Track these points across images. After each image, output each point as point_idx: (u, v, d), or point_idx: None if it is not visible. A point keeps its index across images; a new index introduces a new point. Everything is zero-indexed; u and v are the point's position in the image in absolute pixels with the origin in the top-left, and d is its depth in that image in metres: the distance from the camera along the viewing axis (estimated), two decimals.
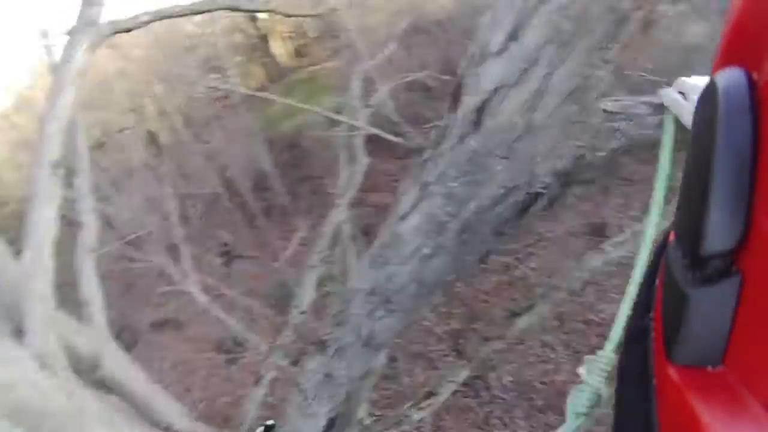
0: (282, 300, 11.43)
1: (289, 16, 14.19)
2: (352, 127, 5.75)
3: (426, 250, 1.40)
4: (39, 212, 2.53)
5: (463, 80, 1.24)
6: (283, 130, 14.67)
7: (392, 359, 8.87)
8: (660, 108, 1.30)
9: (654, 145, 1.15)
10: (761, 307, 0.34)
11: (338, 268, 6.23)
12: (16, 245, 2.82)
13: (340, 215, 4.61)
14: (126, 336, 12.45)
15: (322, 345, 2.14)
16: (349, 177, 4.85)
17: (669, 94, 1.14)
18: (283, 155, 13.72)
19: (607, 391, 1.08)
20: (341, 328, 1.94)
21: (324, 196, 12.47)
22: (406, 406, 3.72)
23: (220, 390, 10.84)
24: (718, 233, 0.35)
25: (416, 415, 3.54)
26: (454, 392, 3.73)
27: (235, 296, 12.13)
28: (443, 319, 9.39)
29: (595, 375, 1.08)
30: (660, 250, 0.52)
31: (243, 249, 12.36)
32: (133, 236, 9.33)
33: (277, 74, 20.38)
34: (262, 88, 20.50)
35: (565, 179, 1.30)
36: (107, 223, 7.59)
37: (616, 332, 1.10)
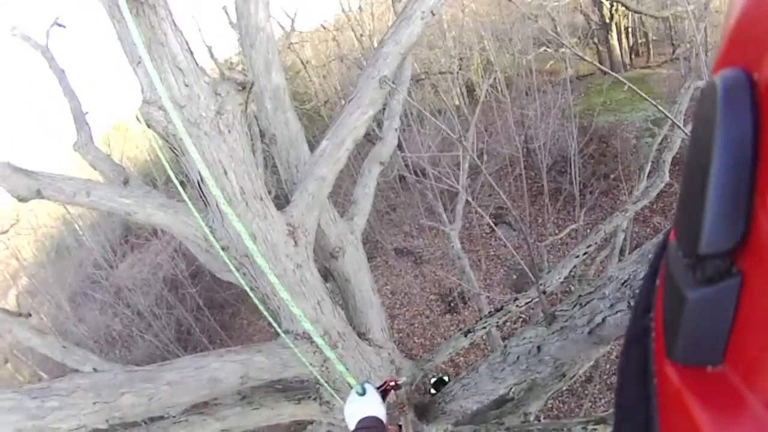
0: (524, 279, 11.46)
1: (636, 12, 13.47)
2: (666, 142, 5.41)
3: None
4: (353, 113, 2.79)
5: None
6: (599, 122, 14.27)
7: (588, 379, 8.58)
8: None
9: None
10: (761, 307, 0.33)
11: (594, 270, 6.07)
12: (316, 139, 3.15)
13: (621, 221, 4.45)
14: (368, 247, 13.40)
15: (551, 318, 2.16)
16: (645, 189, 4.63)
17: None
18: (590, 146, 13.43)
19: None
20: (579, 309, 1.94)
21: (615, 199, 12.08)
22: (575, 420, 3.62)
23: (422, 331, 11.29)
24: (718, 233, 0.34)
25: None
26: None
27: (486, 257, 12.42)
28: None
29: None
30: (660, 250, 0.49)
31: (515, 220, 12.45)
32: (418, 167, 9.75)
33: (609, 66, 19.71)
34: (590, 75, 20.04)
35: None
36: (400, 147, 8.04)
37: None
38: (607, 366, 9.02)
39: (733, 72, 0.35)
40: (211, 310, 15.53)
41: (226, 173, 2.21)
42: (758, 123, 0.33)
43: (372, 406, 2.01)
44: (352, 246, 3.36)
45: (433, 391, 3.58)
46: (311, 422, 3.73)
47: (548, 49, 17.78)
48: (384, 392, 2.16)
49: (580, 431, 3.47)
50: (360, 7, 14.20)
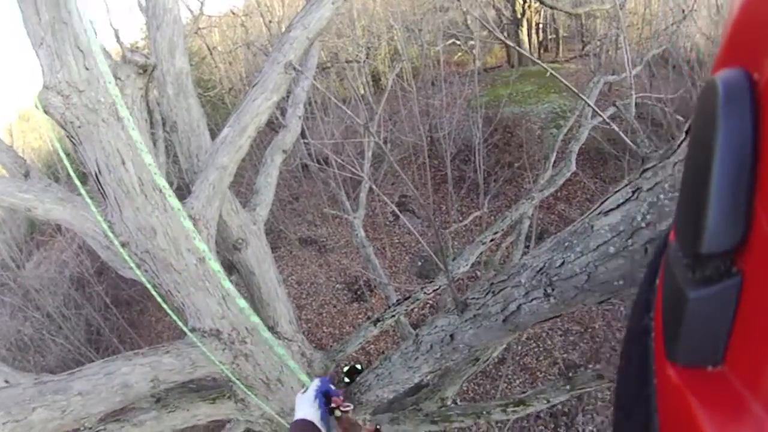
0: (429, 265, 11.64)
1: (550, 7, 14.01)
2: (572, 133, 5.62)
3: (611, 249, 1.38)
4: (257, 99, 2.72)
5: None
6: (504, 113, 14.68)
7: (501, 360, 8.85)
8: None
9: None
10: (761, 307, 0.33)
11: (500, 256, 6.21)
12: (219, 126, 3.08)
13: (527, 208, 4.56)
14: (272, 238, 13.27)
15: (463, 306, 2.15)
16: (551, 178, 4.77)
17: None
18: (494, 136, 13.79)
19: None
20: (491, 297, 1.94)
21: (518, 188, 12.46)
22: (492, 404, 3.69)
23: (330, 320, 11.32)
24: (718, 233, 0.35)
25: (497, 415, 3.51)
26: (537, 417, 3.69)
27: (390, 245, 12.54)
28: (567, 346, 9.18)
29: None
30: (660, 250, 0.50)
31: (419, 207, 12.63)
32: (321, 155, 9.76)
33: (516, 61, 20.35)
34: (497, 68, 20.59)
35: None
36: (303, 135, 8.01)
37: None
38: (519, 347, 9.31)
39: (733, 72, 0.35)
40: (119, 308, 15.02)
41: (124, 163, 2.10)
42: (758, 123, 0.33)
43: (305, 407, 2.03)
44: (255, 237, 3.30)
45: (347, 380, 3.55)
46: (229, 421, 3.66)
47: (457, 42, 18.08)
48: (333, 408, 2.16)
49: (500, 413, 3.54)
50: None
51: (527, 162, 11.24)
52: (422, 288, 3.99)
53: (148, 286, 2.50)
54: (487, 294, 1.98)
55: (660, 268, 0.48)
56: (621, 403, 0.52)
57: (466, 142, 13.51)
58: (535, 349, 9.39)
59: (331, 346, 8.67)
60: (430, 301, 10.38)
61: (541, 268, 1.62)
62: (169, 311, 2.57)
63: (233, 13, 17.20)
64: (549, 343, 9.31)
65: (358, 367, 3.75)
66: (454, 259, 4.51)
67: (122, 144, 2.07)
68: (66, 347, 13.40)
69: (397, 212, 3.18)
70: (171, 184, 2.77)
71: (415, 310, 10.26)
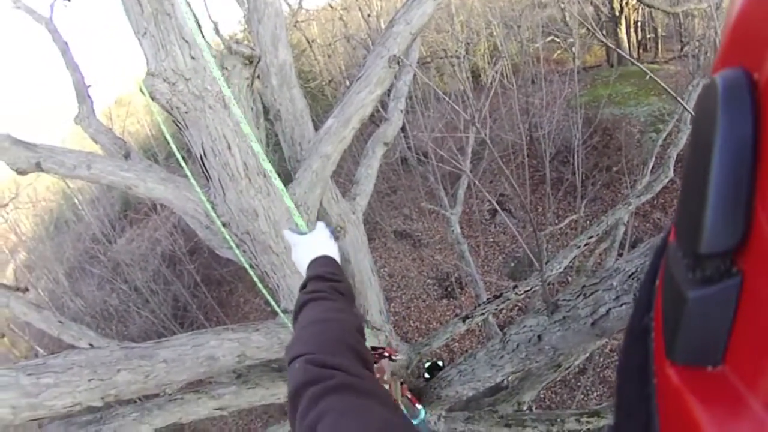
0: (525, 267, 11.48)
1: (648, 6, 13.40)
2: (671, 139, 5.39)
3: None
4: (361, 92, 2.74)
5: None
6: (604, 114, 14.24)
7: (581, 371, 8.64)
8: None
9: None
10: (761, 307, 0.33)
11: (593, 262, 6.06)
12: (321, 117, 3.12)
13: (623, 214, 4.43)
14: (368, 228, 13.48)
15: (554, 307, 2.15)
16: (648, 183, 4.61)
17: None
18: (593, 138, 13.42)
19: None
20: (582, 299, 1.93)
21: (615, 192, 12.09)
22: (568, 411, 3.62)
23: (418, 314, 11.34)
24: (718, 233, 0.35)
25: (570, 425, 3.45)
26: None
27: (484, 243, 12.44)
28: None
29: None
30: (660, 250, 0.49)
31: (516, 207, 12.47)
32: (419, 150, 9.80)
33: (616, 59, 19.66)
34: (596, 67, 19.94)
35: None
36: (402, 129, 8.04)
37: None
38: (601, 359, 9.07)
39: (733, 72, 0.35)
40: (209, 286, 15.53)
41: (230, 148, 2.18)
42: (758, 123, 0.33)
43: (321, 243, 1.82)
44: (353, 226, 3.32)
45: (427, 375, 3.59)
46: None
47: (556, 39, 17.68)
48: (378, 356, 2.02)
49: (574, 423, 3.48)
50: None
51: (625, 166, 10.88)
52: (514, 287, 3.96)
53: (246, 265, 2.56)
54: (578, 296, 1.98)
55: (660, 268, 0.48)
56: (621, 402, 0.52)
57: (566, 143, 13.22)
58: (615, 363, 9.13)
59: (416, 340, 8.69)
60: (520, 303, 10.24)
61: (633, 273, 1.59)
62: (264, 291, 2.64)
63: (331, 7, 17.39)
64: None
65: (440, 363, 3.77)
66: (547, 262, 4.45)
67: (228, 130, 2.14)
68: (150, 320, 13.93)
69: (497, 208, 3.17)
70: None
71: (504, 311, 10.16)
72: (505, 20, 16.24)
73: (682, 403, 0.39)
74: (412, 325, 11.37)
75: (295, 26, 14.07)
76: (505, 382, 4.48)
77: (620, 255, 5.81)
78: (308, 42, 18.48)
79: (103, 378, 2.23)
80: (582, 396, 8.75)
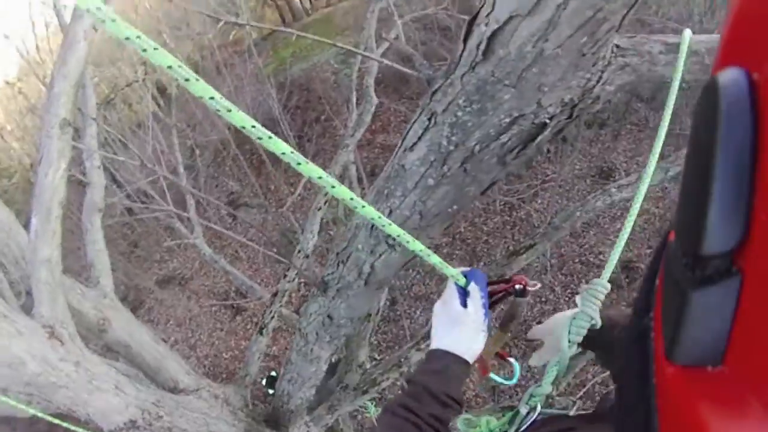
0: (288, 247, 11.52)
1: None
2: (364, 67, 5.59)
3: (430, 181, 1.40)
4: (47, 175, 2.54)
5: (478, 10, 1.22)
6: (294, 73, 14.49)
7: (393, 302, 9.02)
8: (673, 48, 1.31)
9: (664, 87, 1.17)
10: (761, 307, 0.34)
11: (343, 211, 6.22)
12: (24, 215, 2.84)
13: (347, 156, 4.53)
14: (132, 295, 12.68)
15: (324, 285, 2.14)
16: (358, 118, 4.73)
17: (688, 36, 1.17)
18: (293, 98, 13.63)
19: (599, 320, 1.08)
20: (343, 267, 1.93)
21: (333, 138, 12.49)
22: (406, 347, 3.75)
23: (225, 345, 11.07)
24: (718, 233, 0.35)
25: (416, 357, 3.58)
26: None
27: (239, 246, 12.27)
28: (444, 259, 9.48)
29: (590, 303, 1.08)
30: (660, 249, 0.51)
31: (250, 197, 12.39)
32: (139, 191, 9.33)
33: (291, 17, 20.02)
34: (274, 32, 20.30)
35: (572, 110, 1.26)
36: (114, 180, 7.57)
37: (611, 262, 1.12)
38: (401, 281, 9.43)
39: (733, 72, 0.35)
40: None
41: None
42: (758, 123, 0.33)
43: (463, 336, 1.21)
44: (112, 310, 3.14)
45: (271, 391, 3.53)
46: None
47: (228, 22, 17.33)
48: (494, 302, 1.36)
49: (416, 353, 3.59)
50: (37, 46, 12.67)
51: (331, 111, 11.24)
52: (284, 276, 3.94)
53: (49, 418, 2.31)
54: (338, 266, 1.98)
55: (660, 268, 0.48)
56: (622, 402, 0.54)
57: (268, 116, 13.27)
58: (417, 276, 9.63)
59: (238, 369, 8.43)
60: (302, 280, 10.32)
61: (373, 225, 1.61)
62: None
63: (8, 83, 15.48)
64: (427, 266, 9.58)
65: (274, 374, 3.71)
66: (302, 234, 4.46)
67: None
68: None
69: (231, 213, 3.08)
70: (18, 294, 2.73)
71: (293, 295, 10.17)
72: (174, 23, 15.56)
73: (682, 403, 0.39)
74: (226, 356, 11.01)
75: None
76: (334, 358, 4.50)
77: (363, 189, 6.00)
78: None
79: None
80: (408, 321, 9.09)
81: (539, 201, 9.60)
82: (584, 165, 9.83)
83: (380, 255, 1.69)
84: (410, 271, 9.55)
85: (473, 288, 1.25)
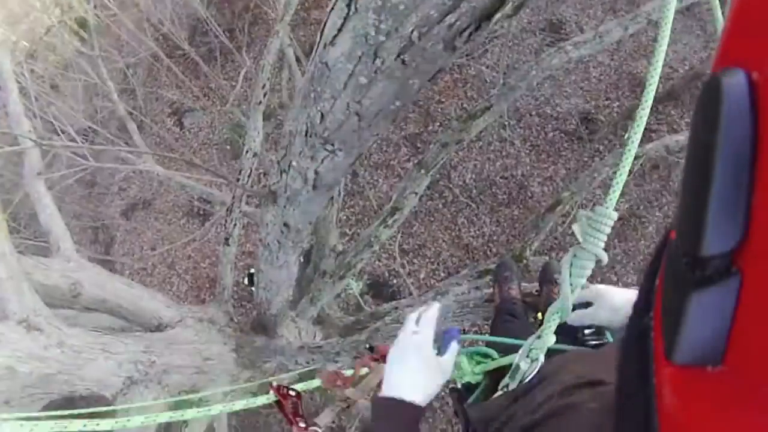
0: (238, 144, 11.33)
1: None
2: None
3: (361, 79, 1.20)
4: None
5: None
6: None
7: (354, 174, 9.02)
8: None
9: None
10: (761, 307, 0.33)
11: (287, 95, 6.04)
12: None
13: (279, 42, 4.24)
14: (102, 235, 12.58)
15: (272, 195, 2.08)
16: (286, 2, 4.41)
17: None
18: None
19: (607, 258, 0.94)
20: (286, 175, 1.84)
21: (266, 24, 11.94)
22: (374, 226, 3.77)
23: (201, 254, 11.13)
24: (718, 233, 0.34)
25: (384, 234, 3.63)
26: (419, 197, 3.76)
27: (193, 154, 12.05)
28: (399, 124, 9.43)
29: (593, 238, 0.93)
30: (660, 249, 0.49)
31: (193, 101, 12.07)
32: (80, 131, 9.07)
33: None
34: None
35: None
36: (59, 132, 7.28)
37: (617, 188, 0.98)
38: (359, 161, 9.37)
39: (733, 71, 0.34)
40: None
41: None
42: (757, 123, 0.32)
43: (430, 382, 1.16)
44: (79, 272, 3.17)
45: (252, 288, 3.65)
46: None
47: None
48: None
49: (384, 230, 3.66)
50: None
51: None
52: (237, 181, 3.85)
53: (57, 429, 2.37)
54: (281, 174, 1.90)
55: (660, 268, 0.47)
56: (621, 402, 0.53)
57: (194, 16, 12.66)
58: (374, 146, 9.55)
59: (219, 275, 8.53)
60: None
61: (307, 132, 1.47)
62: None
63: None
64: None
65: (253, 271, 3.78)
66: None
67: None
68: None
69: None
70: None
71: (251, 202, 10.15)
72: None
73: (683, 403, 0.40)
74: (205, 266, 11.13)
75: None
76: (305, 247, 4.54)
77: (302, 70, 5.77)
78: None
79: None
80: (372, 190, 9.10)
81: (489, 57, 9.45)
82: (532, 18, 9.66)
83: (322, 161, 1.56)
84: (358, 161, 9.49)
85: (455, 344, 1.21)
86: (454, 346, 1.21)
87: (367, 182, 9.22)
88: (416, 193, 3.56)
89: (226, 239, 3.81)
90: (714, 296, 0.35)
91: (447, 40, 1.10)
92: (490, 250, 7.68)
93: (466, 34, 1.10)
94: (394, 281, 8.40)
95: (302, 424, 1.28)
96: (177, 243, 10.84)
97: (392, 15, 1.05)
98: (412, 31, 1.06)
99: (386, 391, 1.12)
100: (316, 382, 1.40)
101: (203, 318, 3.44)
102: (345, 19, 1.12)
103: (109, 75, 7.33)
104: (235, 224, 3.76)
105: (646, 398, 0.45)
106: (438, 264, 8.23)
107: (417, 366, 1.15)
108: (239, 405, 1.30)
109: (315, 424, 1.28)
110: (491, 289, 2.72)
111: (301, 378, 2.38)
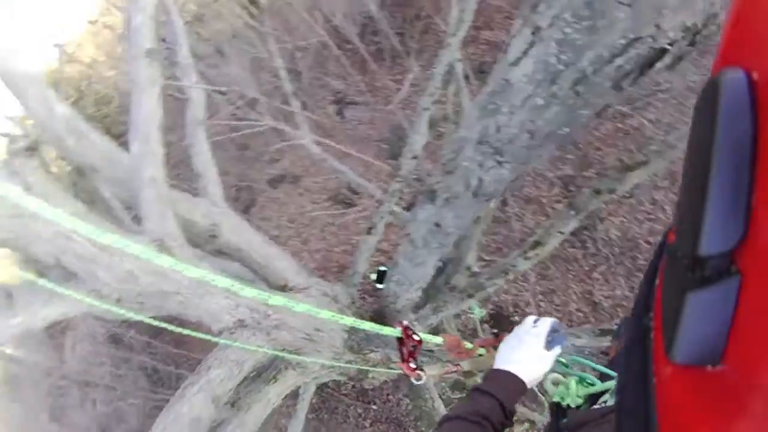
0: (396, 144, 11.52)
1: None
2: None
3: (539, 100, 1.35)
4: (141, 102, 2.64)
5: None
6: None
7: (503, 203, 8.88)
8: None
9: None
10: (761, 307, 0.34)
11: (452, 108, 6.12)
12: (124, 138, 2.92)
13: (452, 54, 4.41)
14: (244, 196, 12.98)
15: (432, 194, 2.17)
16: (460, 13, 4.57)
17: None
18: None
19: None
20: (451, 177, 1.94)
21: (436, 35, 12.05)
22: (513, 255, 3.75)
23: (336, 240, 11.22)
24: (718, 234, 0.35)
25: (522, 265, 3.57)
26: (561, 242, 3.69)
27: (349, 144, 12.32)
28: (556, 163, 9.21)
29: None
30: (660, 249, 0.51)
31: (356, 95, 12.29)
32: (244, 99, 9.43)
33: None
34: None
35: (695, 37, 1.17)
36: (217, 91, 7.64)
37: None
38: (514, 182, 9.22)
39: (733, 71, 0.35)
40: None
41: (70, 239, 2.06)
42: (758, 123, 0.33)
43: (537, 368, 1.39)
44: (222, 216, 3.26)
45: (379, 286, 3.65)
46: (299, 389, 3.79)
47: None
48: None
49: (523, 262, 3.61)
50: None
51: (430, 6, 10.84)
52: (395, 178, 3.98)
53: (156, 323, 2.48)
54: (446, 175, 1.99)
55: (660, 268, 0.49)
56: (622, 402, 0.53)
57: (366, 14, 12.99)
58: (528, 177, 9.41)
59: (348, 263, 8.72)
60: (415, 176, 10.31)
61: (479, 140, 1.61)
62: (188, 332, 2.59)
63: (91, 22, 16.00)
64: (539, 166, 9.29)
65: (383, 269, 3.85)
66: (414, 136, 4.45)
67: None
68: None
69: (340, 111, 3.14)
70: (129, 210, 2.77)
71: (405, 195, 10.25)
72: None
73: (682, 403, 0.40)
74: (338, 251, 11.31)
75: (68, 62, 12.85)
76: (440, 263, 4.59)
77: (470, 87, 5.85)
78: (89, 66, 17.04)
79: None
80: (519, 224, 8.97)
81: (652, 111, 9.03)
82: (698, 78, 9.15)
83: (489, 170, 1.69)
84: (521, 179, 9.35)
85: (558, 347, 1.44)
86: (559, 345, 1.44)
87: (515, 213, 9.05)
88: (562, 233, 3.53)
89: (370, 229, 3.92)
90: (713, 296, 0.36)
91: (615, 79, 1.27)
92: (618, 315, 7.39)
93: (631, 77, 1.27)
94: (516, 318, 8.24)
95: (413, 365, 1.52)
96: (316, 223, 11.14)
97: (571, 48, 1.21)
98: (587, 66, 1.22)
99: (500, 365, 1.38)
100: (439, 339, 1.63)
101: (328, 294, 3.49)
102: (530, 45, 1.29)
103: (278, 53, 7.53)
104: (382, 217, 3.87)
105: (646, 398, 0.46)
106: (563, 314, 7.96)
107: (529, 351, 1.40)
108: (348, 320, 1.49)
109: (422, 369, 1.54)
110: (610, 344, 2.71)
111: None
